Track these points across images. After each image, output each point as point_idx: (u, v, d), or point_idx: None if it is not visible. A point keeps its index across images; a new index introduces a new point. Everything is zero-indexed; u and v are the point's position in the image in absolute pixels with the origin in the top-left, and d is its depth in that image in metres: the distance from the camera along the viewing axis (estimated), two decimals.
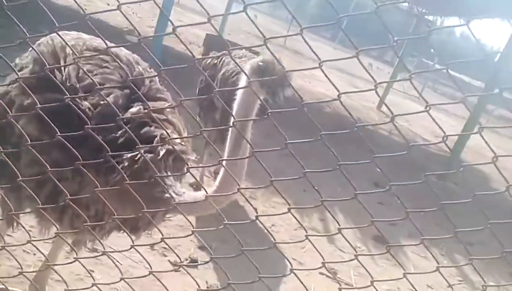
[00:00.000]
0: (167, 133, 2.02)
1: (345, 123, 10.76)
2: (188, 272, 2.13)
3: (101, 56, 2.24)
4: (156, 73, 2.40)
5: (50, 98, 1.97)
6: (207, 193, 1.93)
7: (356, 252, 2.23)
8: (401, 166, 7.35)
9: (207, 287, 3.50)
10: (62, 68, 2.11)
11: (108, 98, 2.02)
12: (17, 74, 2.09)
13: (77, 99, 2.01)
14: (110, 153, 1.86)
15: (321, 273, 4.25)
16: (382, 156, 1.33)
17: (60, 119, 1.89)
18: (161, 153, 2.04)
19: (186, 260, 3.69)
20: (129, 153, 1.99)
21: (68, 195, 1.94)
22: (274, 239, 1.87)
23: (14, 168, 2.00)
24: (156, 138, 2.06)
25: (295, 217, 1.86)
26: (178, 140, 2.18)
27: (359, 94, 16.50)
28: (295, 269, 1.66)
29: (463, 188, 8.57)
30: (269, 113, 1.53)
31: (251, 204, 2.01)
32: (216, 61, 4.85)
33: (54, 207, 2.09)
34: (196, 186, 4.41)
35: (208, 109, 4.77)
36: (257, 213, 1.86)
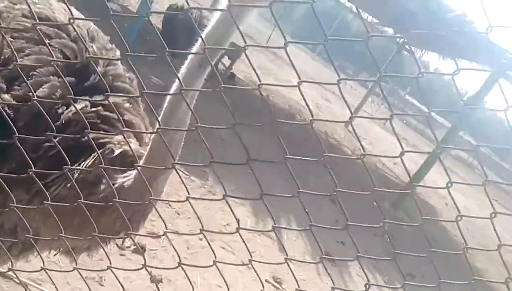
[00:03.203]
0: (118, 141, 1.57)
1: (311, 134, 10.86)
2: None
3: (42, 28, 1.64)
4: (117, 53, 1.89)
5: None
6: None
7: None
8: (358, 187, 7.46)
9: (150, 276, 3.39)
10: None
11: (40, 90, 1.52)
12: None
13: None
14: (33, 170, 1.39)
15: (267, 281, 4.22)
16: (331, 155, 1.25)
17: None
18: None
19: (134, 246, 3.55)
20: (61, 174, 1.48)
21: None
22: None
23: None
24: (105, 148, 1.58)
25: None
26: (137, 146, 1.68)
27: (329, 108, 16.79)
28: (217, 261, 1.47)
29: (413, 220, 8.80)
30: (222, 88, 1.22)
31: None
32: None
33: None
34: None
35: None
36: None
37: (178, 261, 1.42)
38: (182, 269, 1.57)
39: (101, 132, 1.58)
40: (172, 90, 1.43)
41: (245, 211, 5.32)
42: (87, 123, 1.44)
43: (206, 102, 2.15)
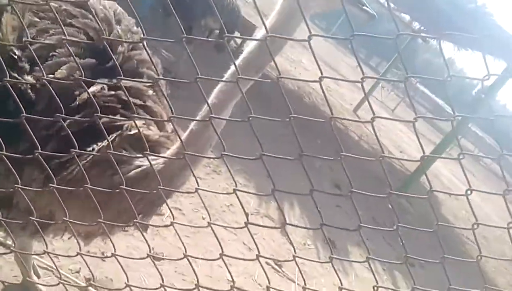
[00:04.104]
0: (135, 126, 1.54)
1: (319, 117, 10.78)
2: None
3: (67, 8, 1.63)
4: (139, 35, 1.83)
5: None
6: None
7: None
8: (364, 174, 7.45)
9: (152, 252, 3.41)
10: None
11: (59, 71, 1.51)
12: None
13: (16, 73, 1.47)
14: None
15: (267, 263, 4.23)
16: (349, 155, 1.22)
17: None
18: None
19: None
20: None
21: None
22: None
23: None
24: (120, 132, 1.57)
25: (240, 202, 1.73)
26: (156, 132, 1.69)
27: (339, 93, 16.64)
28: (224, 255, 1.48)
29: (416, 208, 8.79)
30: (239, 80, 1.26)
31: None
32: None
33: None
34: None
35: None
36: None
37: (184, 252, 1.40)
38: (187, 255, 1.57)
39: (113, 117, 1.57)
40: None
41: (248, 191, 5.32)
42: (106, 105, 1.45)
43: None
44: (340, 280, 1.52)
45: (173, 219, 1.43)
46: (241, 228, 1.31)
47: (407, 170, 11.51)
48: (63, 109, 1.38)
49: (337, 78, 1.11)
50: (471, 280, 5.14)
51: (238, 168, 5.26)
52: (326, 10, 1.50)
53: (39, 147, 1.40)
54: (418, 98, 38.53)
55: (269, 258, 4.24)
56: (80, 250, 1.52)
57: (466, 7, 6.96)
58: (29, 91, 1.47)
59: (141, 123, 1.60)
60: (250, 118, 1.17)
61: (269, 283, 1.39)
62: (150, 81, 1.73)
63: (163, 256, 3.43)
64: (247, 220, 1.26)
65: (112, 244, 1.49)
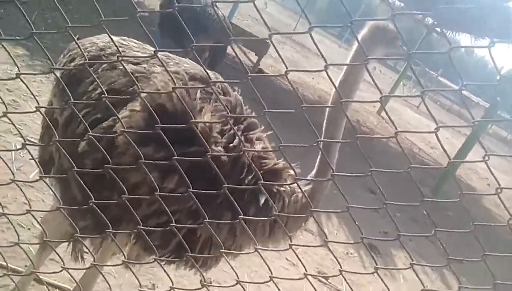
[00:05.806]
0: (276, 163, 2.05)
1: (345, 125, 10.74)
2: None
3: (200, 85, 2.02)
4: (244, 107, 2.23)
5: (185, 152, 1.69)
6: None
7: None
8: (396, 176, 7.37)
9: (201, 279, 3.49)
10: (193, 110, 1.84)
11: (234, 142, 1.91)
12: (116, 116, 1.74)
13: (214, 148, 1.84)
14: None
15: (313, 276, 4.26)
16: (379, 170, 1.30)
17: (194, 170, 1.71)
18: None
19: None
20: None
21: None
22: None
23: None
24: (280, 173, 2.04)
25: None
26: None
27: (361, 97, 16.53)
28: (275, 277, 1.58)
29: (456, 204, 8.62)
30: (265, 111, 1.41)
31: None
32: None
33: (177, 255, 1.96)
34: None
35: None
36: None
37: (236, 278, 1.48)
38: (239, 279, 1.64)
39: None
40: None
41: None
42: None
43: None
44: (387, 287, 1.57)
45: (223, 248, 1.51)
46: (286, 250, 1.39)
47: (441, 166, 11.32)
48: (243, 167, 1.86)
49: (356, 100, 1.19)
50: None
51: None
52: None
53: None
54: (442, 92, 37.89)
55: (315, 275, 4.26)
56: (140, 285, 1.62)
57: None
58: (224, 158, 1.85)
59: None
60: (281, 147, 1.26)
61: None
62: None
63: (211, 281, 3.52)
64: (291, 241, 1.33)
65: (169, 276, 1.57)
